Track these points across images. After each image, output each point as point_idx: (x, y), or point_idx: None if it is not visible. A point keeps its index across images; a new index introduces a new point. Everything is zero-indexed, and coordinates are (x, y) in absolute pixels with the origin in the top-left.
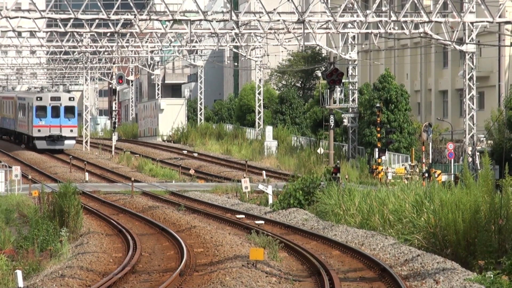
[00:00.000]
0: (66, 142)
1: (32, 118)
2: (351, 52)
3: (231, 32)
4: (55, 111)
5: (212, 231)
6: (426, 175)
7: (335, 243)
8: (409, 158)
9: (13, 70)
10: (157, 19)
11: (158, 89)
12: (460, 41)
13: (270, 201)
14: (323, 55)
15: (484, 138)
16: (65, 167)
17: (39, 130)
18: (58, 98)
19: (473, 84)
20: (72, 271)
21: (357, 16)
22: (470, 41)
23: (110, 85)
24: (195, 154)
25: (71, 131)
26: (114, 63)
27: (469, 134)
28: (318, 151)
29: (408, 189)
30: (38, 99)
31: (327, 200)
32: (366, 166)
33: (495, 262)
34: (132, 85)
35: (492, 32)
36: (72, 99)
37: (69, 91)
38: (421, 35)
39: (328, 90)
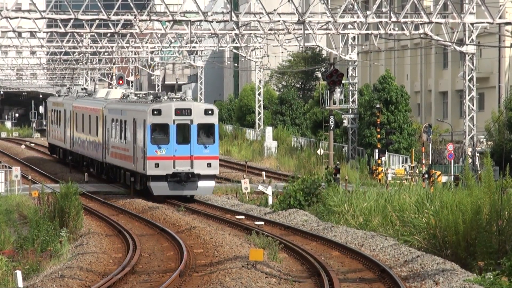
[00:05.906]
0: (201, 184)
1: (145, 145)
2: (351, 53)
3: (231, 33)
4: (183, 133)
5: (212, 232)
6: (426, 176)
7: (335, 244)
8: (409, 159)
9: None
10: (157, 20)
11: (158, 90)
12: (460, 42)
13: (270, 202)
14: (323, 56)
15: (484, 139)
16: (65, 167)
17: (156, 165)
18: (188, 112)
19: (473, 85)
20: (72, 272)
21: (357, 17)
22: (470, 42)
23: (110, 86)
24: None
25: (209, 165)
26: (114, 64)
27: (469, 135)
28: (318, 152)
29: (411, 191)
30: (155, 112)
31: (330, 201)
32: (366, 167)
33: (494, 263)
34: (132, 85)
35: (492, 33)
36: (210, 112)
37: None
38: (421, 36)
39: (328, 91)
